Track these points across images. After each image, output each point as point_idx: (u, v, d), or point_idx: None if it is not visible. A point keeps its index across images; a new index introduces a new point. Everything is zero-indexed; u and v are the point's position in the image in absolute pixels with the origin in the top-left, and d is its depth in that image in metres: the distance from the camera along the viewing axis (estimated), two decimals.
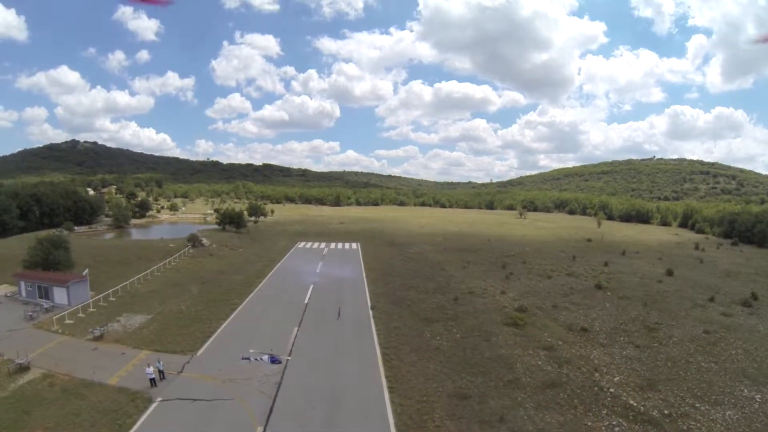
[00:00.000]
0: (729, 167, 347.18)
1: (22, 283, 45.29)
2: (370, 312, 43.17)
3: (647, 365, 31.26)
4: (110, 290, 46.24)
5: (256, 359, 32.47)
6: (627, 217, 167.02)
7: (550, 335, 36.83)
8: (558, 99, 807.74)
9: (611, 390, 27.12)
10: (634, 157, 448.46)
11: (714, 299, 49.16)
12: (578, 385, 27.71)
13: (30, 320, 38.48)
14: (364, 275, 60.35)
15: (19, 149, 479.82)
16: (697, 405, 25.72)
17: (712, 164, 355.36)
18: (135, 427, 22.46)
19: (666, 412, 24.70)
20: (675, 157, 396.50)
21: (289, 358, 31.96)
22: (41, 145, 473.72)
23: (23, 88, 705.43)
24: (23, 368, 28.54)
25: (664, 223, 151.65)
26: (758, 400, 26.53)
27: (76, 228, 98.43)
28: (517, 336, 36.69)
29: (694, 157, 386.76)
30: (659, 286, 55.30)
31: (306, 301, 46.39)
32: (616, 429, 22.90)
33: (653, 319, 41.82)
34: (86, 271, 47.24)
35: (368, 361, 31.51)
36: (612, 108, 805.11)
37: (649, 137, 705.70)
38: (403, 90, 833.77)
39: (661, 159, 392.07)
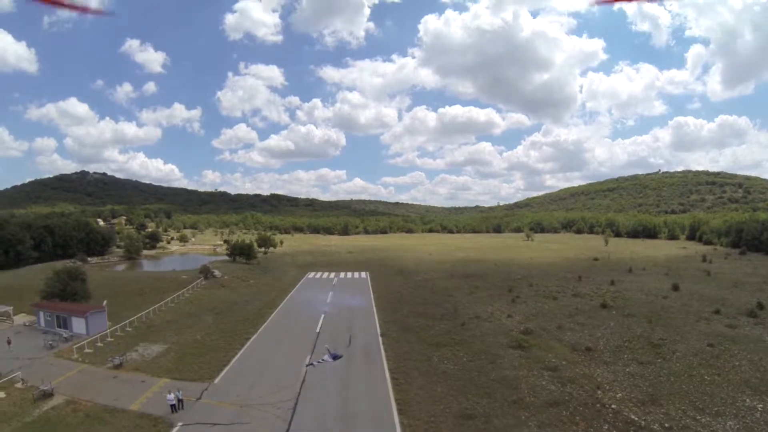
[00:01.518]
0: (735, 175, 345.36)
1: (41, 313, 46.62)
2: (380, 339, 44.15)
3: (650, 381, 31.72)
4: (127, 320, 47.67)
5: (320, 361, 36.26)
6: (634, 233, 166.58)
7: (554, 356, 37.45)
8: (561, 118, 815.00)
9: (613, 406, 27.74)
10: (640, 171, 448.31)
11: (719, 311, 49.40)
12: (581, 403, 28.37)
13: (50, 349, 39.81)
14: (374, 304, 61.36)
15: (30, 179, 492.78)
16: (698, 417, 26.15)
17: (718, 174, 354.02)
18: None
19: (666, 425, 25.23)
20: (681, 169, 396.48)
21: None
22: (51, 176, 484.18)
23: (33, 119, 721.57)
24: (47, 394, 29.78)
25: (672, 237, 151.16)
26: (760, 409, 26.87)
27: (89, 259, 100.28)
28: (522, 358, 37.39)
29: (700, 168, 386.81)
30: (664, 302, 55.60)
31: (317, 330, 47.54)
32: None
33: (657, 335, 42.22)
34: (105, 302, 48.90)
35: (378, 386, 32.54)
36: (615, 124, 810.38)
37: (654, 151, 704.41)
38: (408, 116, 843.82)
39: (667, 172, 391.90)
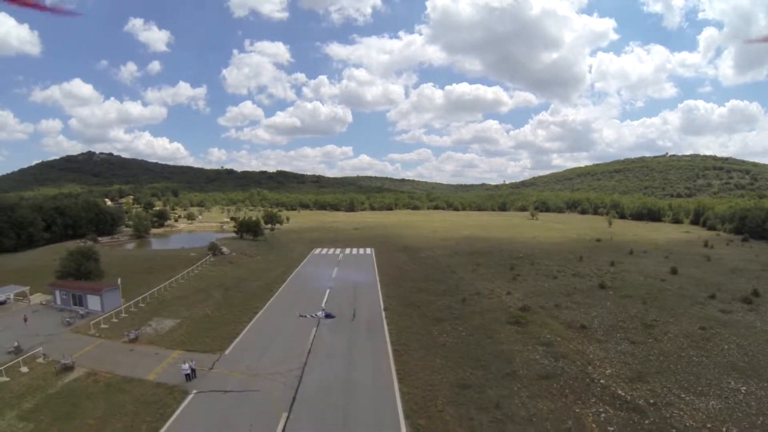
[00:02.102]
0: (743, 162, 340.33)
1: (57, 292, 47.84)
2: (383, 313, 45.68)
3: (639, 359, 32.97)
4: (139, 297, 49.24)
5: (312, 316, 39.91)
6: (639, 216, 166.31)
7: (549, 332, 38.79)
8: (570, 98, 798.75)
9: (602, 381, 29.10)
10: (647, 154, 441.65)
11: (715, 296, 50.21)
12: (571, 377, 29.77)
13: (68, 325, 41.31)
14: (378, 279, 62.85)
15: (36, 161, 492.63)
16: (683, 395, 27.34)
17: (726, 159, 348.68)
18: (175, 415, 25.44)
19: (652, 401, 26.52)
20: (689, 152, 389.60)
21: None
22: (57, 157, 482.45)
23: (38, 101, 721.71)
24: (68, 368, 31.38)
25: (676, 221, 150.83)
26: (743, 391, 27.77)
27: (99, 239, 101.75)
28: (519, 333, 38.80)
29: (709, 152, 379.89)
30: (662, 285, 56.55)
31: (323, 305, 49.07)
32: (602, 415, 24.95)
33: (651, 316, 43.32)
34: (119, 280, 50.44)
35: (380, 357, 34.19)
36: (624, 105, 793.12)
37: (663, 133, 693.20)
38: (414, 93, 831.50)
39: (674, 156, 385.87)
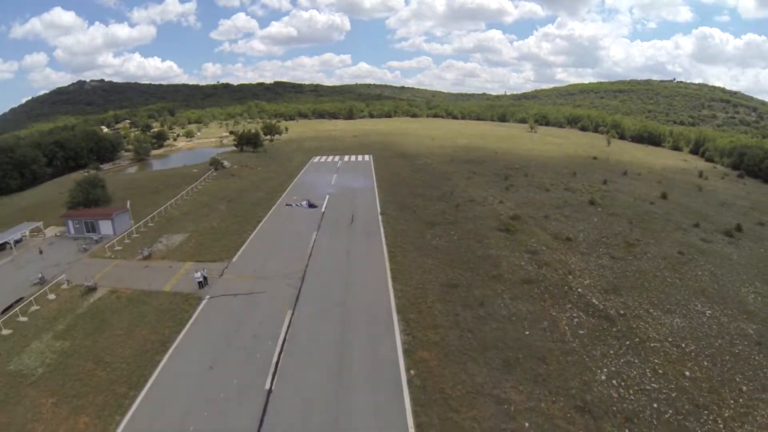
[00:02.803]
0: (752, 98, 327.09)
1: (70, 222, 48.13)
2: (380, 217, 46.80)
3: (617, 274, 34.64)
4: (147, 217, 49.84)
5: (297, 205, 42.79)
6: (639, 138, 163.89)
7: (536, 241, 40.24)
8: (578, 12, 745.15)
9: (579, 290, 30.96)
10: (655, 77, 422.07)
11: (699, 225, 51.07)
12: (551, 284, 31.58)
13: (84, 252, 42.27)
14: (375, 185, 63.34)
15: (26, 98, 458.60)
16: (651, 311, 29.11)
17: (734, 93, 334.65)
18: (192, 319, 27.85)
19: (622, 312, 28.48)
20: (698, 81, 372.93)
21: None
22: (48, 91, 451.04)
23: (19, 37, 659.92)
24: (91, 289, 33.01)
25: (676, 148, 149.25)
26: (708, 315, 29.18)
27: (101, 166, 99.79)
28: (507, 240, 40.23)
29: (719, 83, 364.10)
30: (650, 208, 57.61)
31: (322, 211, 49.92)
32: (575, 320, 26.98)
33: (634, 236, 44.63)
34: (128, 203, 50.80)
35: (376, 257, 35.96)
36: (635, 24, 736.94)
37: (673, 58, 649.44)
38: (415, 1, 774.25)
39: (682, 82, 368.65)
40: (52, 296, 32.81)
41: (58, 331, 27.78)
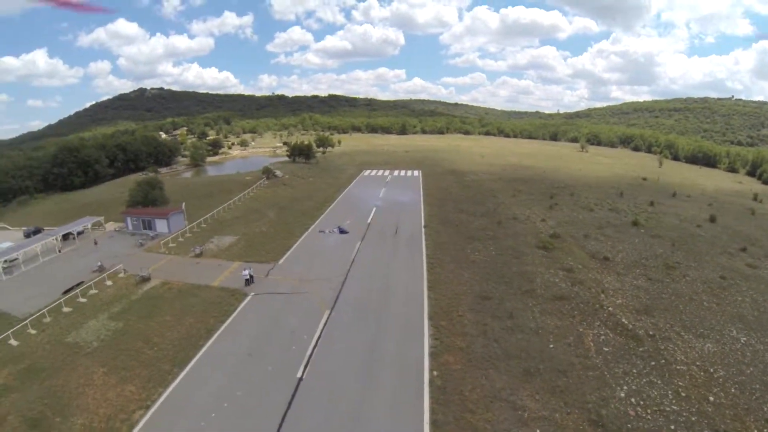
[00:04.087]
0: None
1: (129, 219, 50.76)
2: (423, 230, 47.40)
3: (652, 295, 32.92)
4: (201, 219, 51.91)
5: (330, 231, 42.75)
6: (693, 159, 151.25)
7: (573, 259, 39.20)
8: (633, 27, 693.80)
9: (610, 309, 29.97)
10: (713, 94, 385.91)
11: (746, 250, 47.00)
12: (582, 301, 30.82)
13: (140, 246, 44.89)
14: (422, 200, 63.42)
15: (90, 103, 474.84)
16: (683, 334, 27.40)
17: None
18: (236, 312, 29.65)
19: (651, 333, 27.21)
20: (759, 98, 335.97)
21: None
22: (110, 97, 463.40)
23: (84, 46, 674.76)
24: (145, 279, 35.26)
25: (732, 170, 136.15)
26: (742, 341, 26.94)
27: (159, 170, 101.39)
28: (544, 257, 39.53)
29: None
30: (695, 230, 53.74)
31: (369, 221, 51.09)
32: (602, 337, 26.30)
33: (676, 258, 41.93)
34: (183, 204, 53.08)
35: (415, 268, 36.63)
36: (693, 39, 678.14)
37: (733, 74, 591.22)
38: (468, 16, 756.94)
39: (740, 100, 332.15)
40: (109, 282, 34.81)
41: (113, 313, 29.88)
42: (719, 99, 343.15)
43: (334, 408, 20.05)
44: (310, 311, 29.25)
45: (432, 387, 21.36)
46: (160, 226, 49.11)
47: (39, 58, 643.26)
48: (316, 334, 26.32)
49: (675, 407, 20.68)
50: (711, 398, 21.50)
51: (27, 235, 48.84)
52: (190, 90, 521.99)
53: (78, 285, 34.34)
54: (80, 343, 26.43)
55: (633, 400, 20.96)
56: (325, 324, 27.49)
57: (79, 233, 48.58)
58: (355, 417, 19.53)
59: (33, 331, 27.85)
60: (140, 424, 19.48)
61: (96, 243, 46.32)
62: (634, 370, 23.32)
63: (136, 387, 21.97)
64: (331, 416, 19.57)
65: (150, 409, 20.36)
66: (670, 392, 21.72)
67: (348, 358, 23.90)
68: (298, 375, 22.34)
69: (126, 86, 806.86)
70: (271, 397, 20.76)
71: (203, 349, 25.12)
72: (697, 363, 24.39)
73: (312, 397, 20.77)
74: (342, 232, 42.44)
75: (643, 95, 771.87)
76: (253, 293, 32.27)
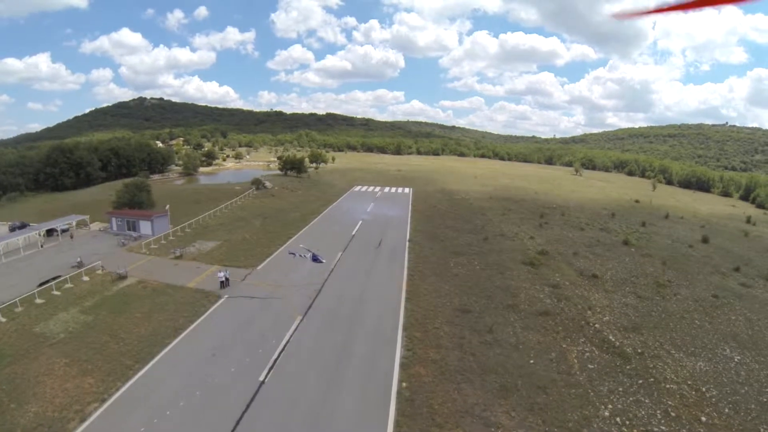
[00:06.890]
0: None
1: (113, 219, 50.62)
2: (407, 244, 46.37)
3: (641, 313, 31.79)
4: (185, 223, 51.75)
5: (301, 255, 38.57)
6: (687, 184, 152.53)
7: (560, 276, 38.09)
8: (630, 54, 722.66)
9: (596, 326, 28.69)
10: (708, 121, 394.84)
11: (739, 269, 46.28)
12: (568, 317, 29.54)
13: (122, 246, 44.63)
14: (410, 215, 62.89)
15: (90, 108, 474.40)
16: (673, 352, 26.19)
17: None
18: (207, 313, 28.72)
19: (639, 350, 25.88)
20: (754, 125, 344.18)
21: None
22: (110, 104, 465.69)
23: (87, 53, 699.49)
24: (122, 277, 34.85)
25: (725, 194, 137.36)
26: (736, 360, 25.90)
27: (150, 176, 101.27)
28: (530, 273, 38.39)
29: None
30: (687, 251, 52.99)
31: (353, 233, 50.28)
32: (587, 354, 24.91)
33: (666, 277, 41.01)
34: (167, 206, 52.94)
35: (395, 279, 35.47)
36: (688, 67, 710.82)
37: (728, 101, 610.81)
38: (468, 41, 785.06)
39: (734, 126, 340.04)
40: (86, 278, 34.70)
41: (84, 307, 29.46)
42: (713, 125, 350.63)
43: (292, 414, 18.88)
44: (281, 316, 28.19)
45: (400, 398, 19.96)
46: (144, 227, 48.98)
47: (42, 61, 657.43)
48: (285, 338, 25.28)
49: (663, 427, 19.22)
50: (703, 418, 20.08)
51: (12, 230, 48.64)
52: (190, 102, 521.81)
53: (54, 279, 34.05)
54: (47, 333, 26.05)
55: (618, 419, 19.47)
56: (295, 330, 26.39)
57: (63, 230, 48.52)
58: (314, 424, 18.29)
59: (3, 319, 27.58)
60: (93, 417, 18.79)
61: (72, 237, 46.15)
62: (621, 389, 21.88)
63: (95, 380, 21.35)
64: (289, 422, 18.38)
65: (106, 402, 19.69)
66: (658, 412, 20.28)
67: (315, 365, 22.74)
68: (261, 378, 21.37)
69: (126, 95, 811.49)
70: (229, 398, 19.86)
71: (168, 347, 24.40)
72: (688, 382, 23.04)
73: (272, 401, 19.74)
74: (315, 259, 38.12)
75: (638, 122, 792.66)
76: (227, 296, 31.49)
